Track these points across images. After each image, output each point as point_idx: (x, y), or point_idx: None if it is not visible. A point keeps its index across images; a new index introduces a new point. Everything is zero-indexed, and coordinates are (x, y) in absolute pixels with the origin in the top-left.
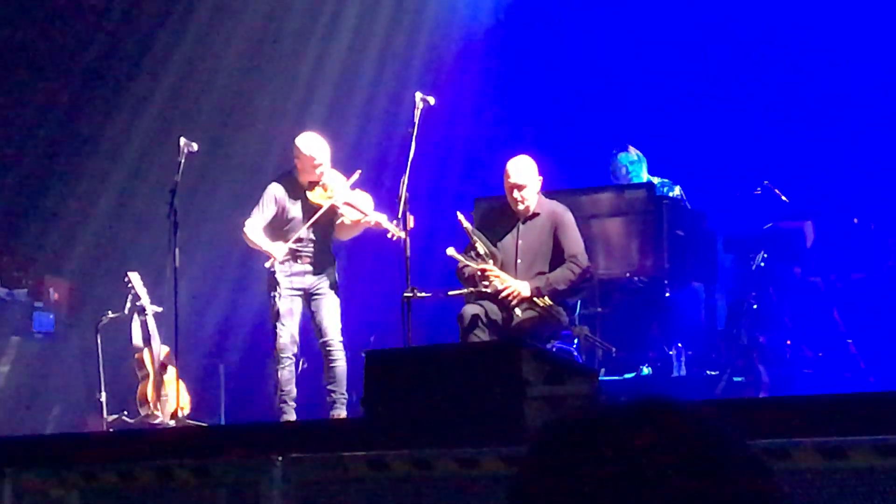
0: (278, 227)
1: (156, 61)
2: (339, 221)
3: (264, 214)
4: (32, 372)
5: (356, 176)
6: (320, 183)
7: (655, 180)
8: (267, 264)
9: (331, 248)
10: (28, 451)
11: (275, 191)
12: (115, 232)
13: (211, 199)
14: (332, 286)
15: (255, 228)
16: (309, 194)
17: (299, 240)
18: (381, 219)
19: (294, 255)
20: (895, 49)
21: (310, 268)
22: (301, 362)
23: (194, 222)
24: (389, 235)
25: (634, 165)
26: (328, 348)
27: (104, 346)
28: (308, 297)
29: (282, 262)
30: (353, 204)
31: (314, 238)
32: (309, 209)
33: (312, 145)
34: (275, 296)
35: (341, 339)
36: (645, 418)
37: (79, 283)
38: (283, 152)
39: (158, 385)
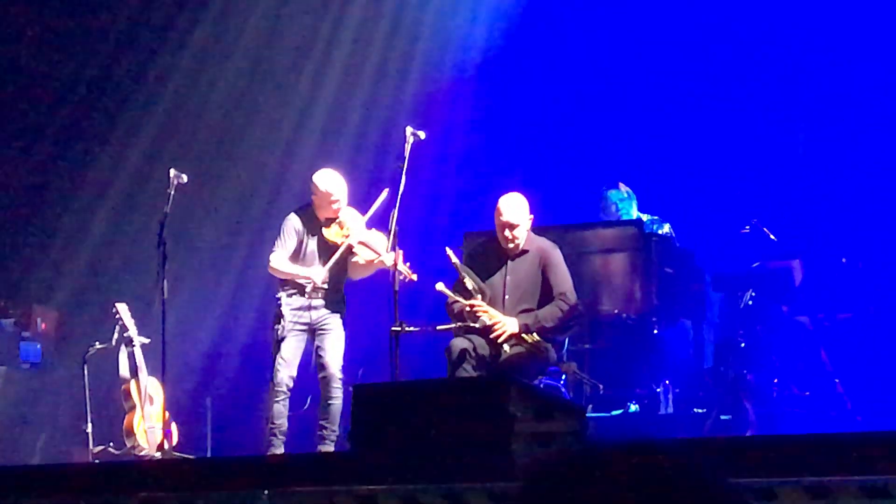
0: (293, 260)
1: (147, 92)
2: (353, 261)
3: (287, 246)
4: (19, 402)
5: (382, 198)
6: (337, 220)
7: (645, 217)
8: (308, 288)
9: (342, 287)
10: (14, 481)
11: (294, 223)
12: (103, 262)
13: (200, 231)
14: (340, 323)
15: (282, 260)
16: (325, 231)
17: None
18: (396, 259)
19: (302, 290)
20: (880, 92)
21: (318, 303)
22: (307, 401)
23: (183, 254)
24: (402, 277)
25: (624, 203)
26: (328, 383)
27: (91, 377)
28: (313, 331)
29: (290, 296)
30: (367, 244)
31: (327, 275)
32: (324, 245)
33: (329, 182)
34: (278, 329)
35: (342, 376)
36: (630, 459)
37: (66, 314)
38: (273, 185)
39: (145, 417)
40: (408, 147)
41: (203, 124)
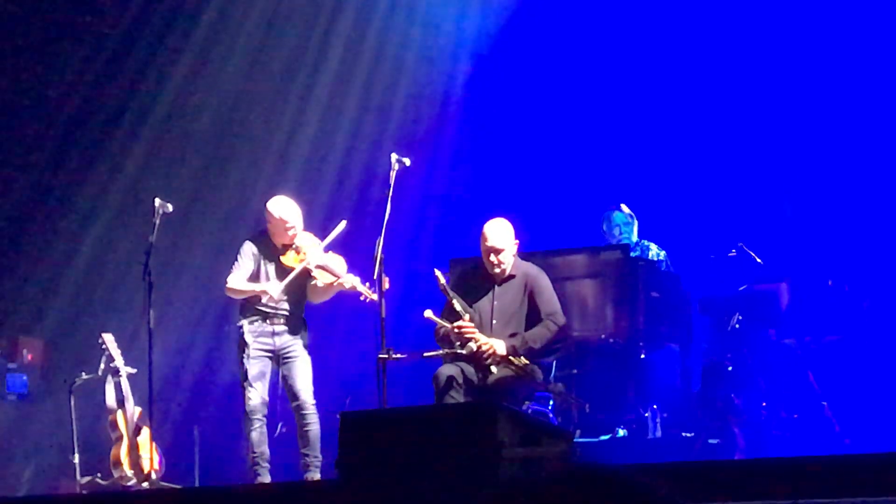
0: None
1: (132, 122)
2: (312, 284)
3: (243, 268)
4: (5, 433)
5: (340, 228)
6: (293, 246)
7: (654, 248)
8: (264, 299)
9: (302, 312)
10: None
11: (250, 248)
12: (89, 293)
13: (186, 260)
14: (304, 348)
15: (238, 279)
16: (282, 257)
17: (271, 301)
18: (355, 281)
19: (264, 317)
20: (865, 115)
21: (280, 328)
22: (279, 426)
23: (169, 283)
24: (362, 298)
25: (627, 227)
26: (301, 411)
27: (78, 408)
28: (278, 359)
29: (251, 323)
30: (325, 267)
31: (287, 301)
32: (282, 270)
33: (283, 208)
34: (243, 357)
35: (314, 401)
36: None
37: (53, 344)
38: (259, 213)
39: (132, 447)
40: (393, 174)
41: (188, 153)
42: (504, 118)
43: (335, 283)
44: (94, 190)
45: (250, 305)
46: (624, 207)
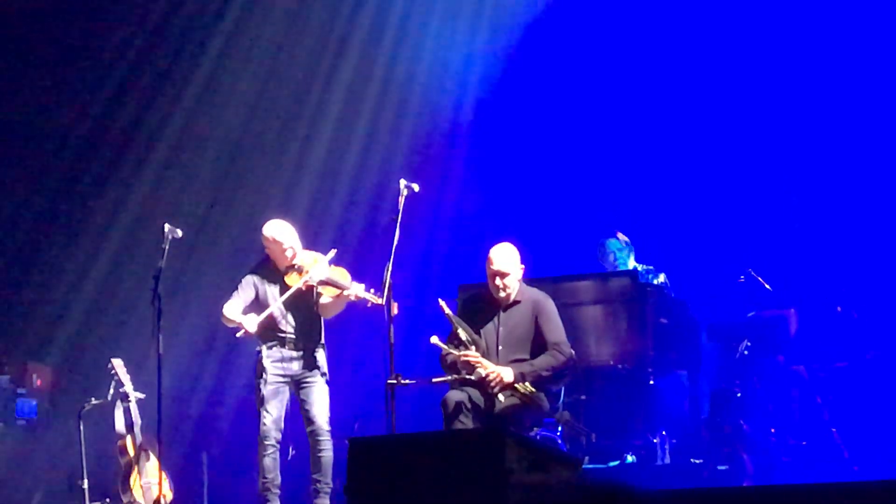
0: (258, 310)
1: (140, 148)
2: (321, 302)
3: (242, 297)
4: (15, 458)
5: (331, 254)
6: (295, 267)
7: (640, 267)
8: (238, 335)
9: (319, 334)
10: None
11: (251, 276)
12: (98, 318)
13: (195, 286)
14: (321, 374)
15: (231, 308)
16: (286, 277)
17: (282, 327)
18: (359, 290)
19: (280, 342)
20: (873, 140)
21: (296, 353)
22: (290, 451)
23: (178, 309)
24: (369, 305)
25: (622, 252)
26: (316, 437)
27: (87, 433)
28: (296, 384)
29: (269, 349)
30: (328, 280)
31: (297, 323)
32: (286, 292)
33: (276, 231)
34: (260, 382)
35: (328, 428)
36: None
37: (62, 370)
38: None
39: (141, 472)
40: (402, 200)
41: (197, 179)
42: (513, 144)
43: (342, 295)
44: (103, 216)
45: (269, 331)
46: (620, 235)
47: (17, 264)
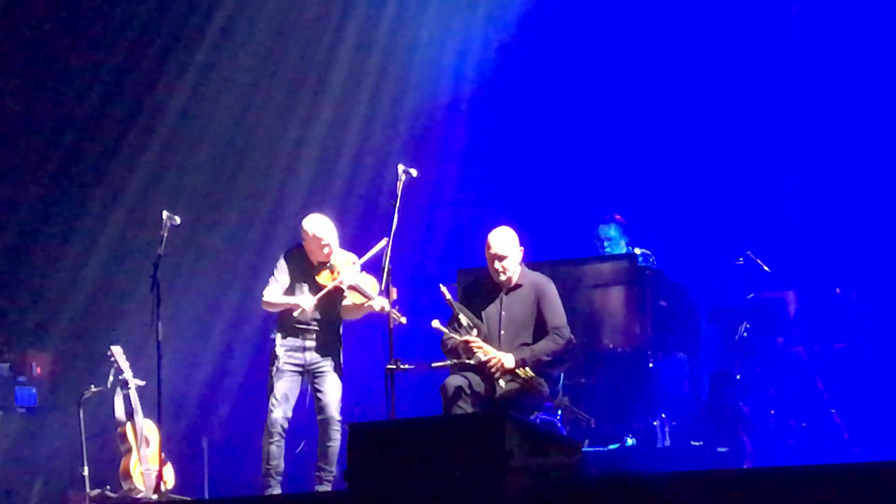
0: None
1: (139, 134)
2: (344, 304)
3: (280, 283)
4: (15, 446)
5: (380, 245)
6: (328, 264)
7: (637, 251)
8: (296, 313)
9: (338, 328)
10: None
11: (287, 262)
12: (97, 306)
13: (194, 272)
14: (336, 366)
15: (274, 293)
16: (317, 277)
17: (303, 317)
18: (385, 304)
19: (298, 332)
20: (871, 122)
21: (312, 344)
22: (301, 445)
23: (177, 296)
24: (392, 323)
25: (611, 241)
26: (326, 426)
27: (87, 421)
28: (310, 374)
29: (284, 337)
30: (357, 287)
31: (319, 317)
32: (316, 288)
33: (318, 226)
34: (273, 370)
35: (340, 417)
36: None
37: (61, 357)
38: (266, 226)
39: (141, 459)
40: (400, 185)
41: (195, 166)
42: (511, 129)
43: (365, 304)
44: (102, 203)
45: (285, 320)
46: (617, 217)
47: (15, 252)
